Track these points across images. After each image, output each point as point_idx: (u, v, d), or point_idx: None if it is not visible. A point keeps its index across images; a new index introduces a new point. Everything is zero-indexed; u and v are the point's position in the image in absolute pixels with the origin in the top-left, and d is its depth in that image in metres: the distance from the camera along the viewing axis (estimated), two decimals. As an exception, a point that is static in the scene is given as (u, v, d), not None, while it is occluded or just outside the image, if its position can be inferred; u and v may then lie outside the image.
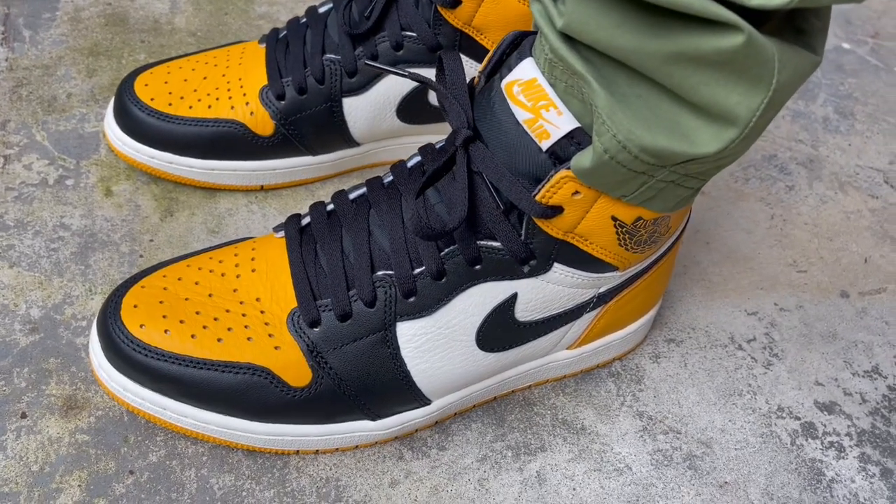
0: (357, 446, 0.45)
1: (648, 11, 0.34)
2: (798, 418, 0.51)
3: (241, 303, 0.44)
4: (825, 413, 0.52)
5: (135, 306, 0.43)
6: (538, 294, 0.43)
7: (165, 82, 0.55)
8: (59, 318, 0.48)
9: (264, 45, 0.57)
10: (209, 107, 0.54)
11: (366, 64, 0.43)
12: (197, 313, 0.43)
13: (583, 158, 0.37)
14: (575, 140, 0.38)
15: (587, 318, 0.46)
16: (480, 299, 0.42)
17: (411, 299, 0.42)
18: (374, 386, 0.43)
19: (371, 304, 0.42)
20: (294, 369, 0.42)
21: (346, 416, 0.43)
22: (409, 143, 0.59)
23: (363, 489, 0.44)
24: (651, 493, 0.46)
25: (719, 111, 0.34)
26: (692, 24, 0.33)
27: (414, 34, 0.53)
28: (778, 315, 0.57)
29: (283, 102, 0.54)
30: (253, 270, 0.45)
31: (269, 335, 0.43)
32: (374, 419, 0.44)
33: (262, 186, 0.57)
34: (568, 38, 0.36)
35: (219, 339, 0.42)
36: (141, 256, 0.52)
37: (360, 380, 0.43)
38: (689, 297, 0.56)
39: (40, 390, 0.45)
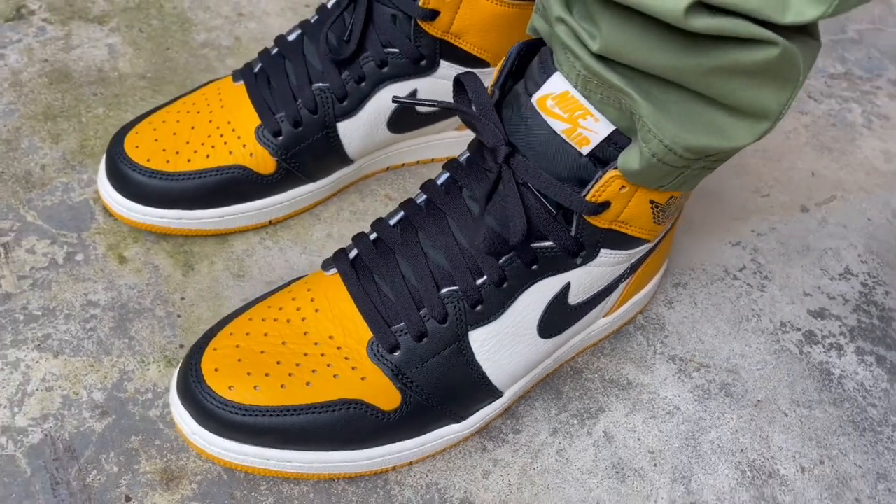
0: (444, 449, 0.48)
1: (684, 32, 0.37)
2: (799, 329, 0.58)
3: (315, 344, 0.46)
4: (818, 319, 0.59)
5: (216, 370, 0.45)
6: (587, 279, 0.47)
7: (155, 140, 0.55)
8: (124, 396, 0.49)
9: (240, 82, 0.57)
10: (207, 156, 0.55)
11: (394, 100, 0.45)
12: (278, 363, 0.45)
13: (630, 161, 0.41)
14: (612, 141, 0.42)
15: (622, 287, 0.51)
16: (539, 295, 0.46)
17: (478, 308, 0.45)
18: (457, 392, 0.46)
19: (443, 320, 0.45)
20: (383, 394, 0.45)
21: (435, 426, 0.47)
22: (396, 152, 0.61)
23: (461, 486, 0.48)
24: (702, 425, 0.52)
25: (753, 110, 0.39)
26: (730, 41, 0.37)
27: (396, 50, 0.55)
28: (757, 240, 0.63)
29: (280, 138, 0.55)
30: (316, 311, 0.47)
31: (353, 368, 0.45)
32: (458, 421, 0.48)
33: (269, 221, 0.58)
34: (603, 58, 0.39)
35: (307, 384, 0.44)
36: (179, 317, 0.53)
37: (444, 390, 0.46)
38: (679, 240, 0.62)
39: (134, 470, 0.46)
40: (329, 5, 0.58)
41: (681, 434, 0.52)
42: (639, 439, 0.51)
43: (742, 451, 0.51)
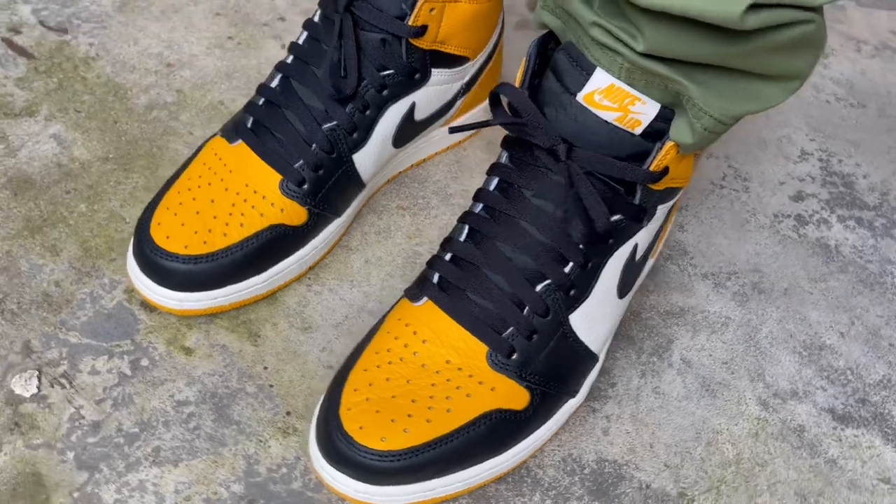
0: (565, 423, 0.53)
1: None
2: (789, 216, 0.66)
3: (437, 373, 0.48)
4: (800, 202, 0.67)
5: (360, 428, 0.46)
6: (649, 237, 0.52)
7: (182, 224, 0.54)
8: (261, 479, 0.50)
9: (238, 141, 0.56)
10: (241, 225, 0.54)
11: (451, 131, 0.47)
12: (413, 402, 0.47)
13: (683, 135, 0.45)
14: (660, 116, 0.46)
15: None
16: (616, 264, 0.50)
17: (572, 293, 0.49)
18: (570, 371, 0.51)
19: (545, 314, 0.49)
20: (514, 397, 0.49)
21: (558, 407, 0.51)
22: (395, 163, 0.63)
23: (590, 448, 0.53)
24: (753, 325, 0.59)
25: (788, 74, 0.44)
26: (772, 26, 0.41)
27: (392, 71, 0.56)
28: (722, 145, 0.70)
29: (305, 186, 0.55)
30: (424, 342, 0.49)
31: (480, 383, 0.48)
32: (574, 395, 0.52)
33: (310, 267, 0.59)
34: (646, 54, 0.43)
35: (448, 410, 0.47)
36: (271, 386, 0.54)
37: (560, 373, 0.50)
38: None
39: (308, 542, 0.48)
40: (301, 41, 0.58)
41: (740, 339, 0.58)
42: (710, 355, 0.57)
43: (791, 336, 0.59)
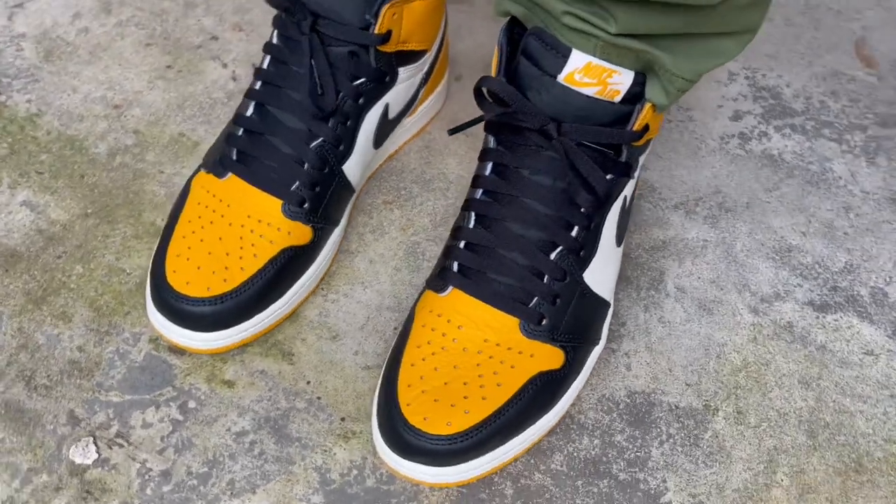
0: (591, 370, 0.58)
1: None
2: (733, 135, 0.72)
3: (478, 353, 0.52)
4: (739, 121, 0.73)
5: (425, 419, 0.50)
6: (633, 185, 0.57)
7: (198, 267, 0.55)
8: (336, 486, 0.53)
9: (228, 174, 0.58)
10: (255, 256, 0.56)
11: (450, 132, 0.50)
12: (465, 384, 0.51)
13: (658, 97, 0.50)
14: (635, 82, 0.50)
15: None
16: (613, 217, 0.55)
17: (581, 253, 0.54)
18: (592, 323, 0.55)
19: (563, 277, 0.53)
20: (551, 358, 0.53)
21: (588, 357, 0.56)
22: (374, 161, 0.65)
23: (620, 387, 0.58)
24: (727, 242, 0.65)
25: (745, 29, 0.49)
26: None
27: (363, 79, 0.58)
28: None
29: (306, 205, 0.58)
30: (459, 327, 0.53)
31: (519, 353, 0.52)
32: (597, 343, 0.57)
33: (321, 278, 0.61)
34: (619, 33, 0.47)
35: (498, 385, 0.51)
36: (319, 398, 0.56)
37: (584, 326, 0.55)
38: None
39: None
40: (266, 66, 0.59)
41: (720, 258, 0.64)
42: (699, 278, 0.63)
43: (762, 244, 0.65)
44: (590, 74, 0.49)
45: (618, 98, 0.51)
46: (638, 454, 0.55)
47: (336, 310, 0.61)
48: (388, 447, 0.51)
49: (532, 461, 0.55)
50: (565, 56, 0.49)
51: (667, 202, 0.67)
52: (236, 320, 0.56)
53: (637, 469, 0.55)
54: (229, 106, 0.72)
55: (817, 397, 0.58)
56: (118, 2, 0.77)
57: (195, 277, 0.55)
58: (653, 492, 0.54)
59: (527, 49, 0.52)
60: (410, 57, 0.61)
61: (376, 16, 0.55)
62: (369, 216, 0.66)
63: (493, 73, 0.53)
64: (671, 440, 0.56)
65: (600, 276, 0.55)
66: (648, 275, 0.63)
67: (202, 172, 0.60)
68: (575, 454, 0.55)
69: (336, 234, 0.61)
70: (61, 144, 0.68)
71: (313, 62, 0.56)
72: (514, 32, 0.53)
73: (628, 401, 0.57)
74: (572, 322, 0.54)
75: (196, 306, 0.55)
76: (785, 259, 0.65)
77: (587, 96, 0.50)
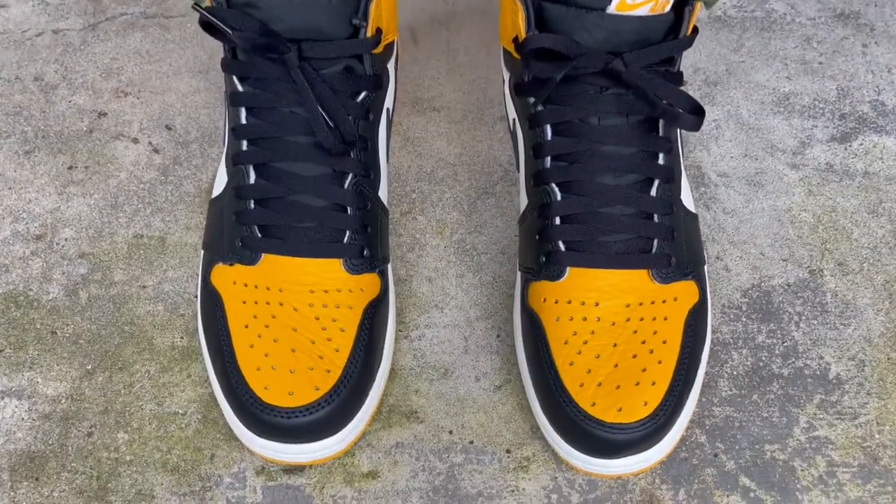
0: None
1: None
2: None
3: (627, 320, 0.48)
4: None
5: (619, 409, 0.46)
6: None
7: (292, 371, 0.46)
8: (545, 519, 0.48)
9: (260, 256, 0.48)
10: (342, 330, 0.48)
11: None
12: (634, 357, 0.47)
13: None
14: (679, -15, 0.47)
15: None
16: (677, 129, 0.52)
17: (673, 177, 0.51)
18: (700, 241, 0.53)
19: (670, 209, 0.50)
20: (689, 292, 0.50)
21: (706, 275, 0.53)
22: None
23: (732, 292, 0.56)
24: (732, 113, 0.64)
25: None
26: None
27: (365, 92, 0.50)
28: None
29: (366, 252, 0.50)
30: (596, 304, 0.48)
31: (663, 302, 0.49)
32: (706, 261, 0.55)
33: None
34: None
35: (664, 342, 0.48)
36: (471, 443, 0.50)
37: (698, 247, 0.52)
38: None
39: None
40: (246, 121, 0.49)
41: (736, 131, 0.63)
42: (731, 156, 0.62)
43: (761, 102, 0.65)
44: (638, -9, 0.45)
45: (668, 7, 0.47)
46: (785, 344, 0.54)
47: (429, 346, 0.54)
48: (584, 453, 0.47)
49: (703, 399, 0.52)
50: (606, -11, 0.45)
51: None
52: (355, 407, 0.48)
53: (793, 358, 0.54)
54: (171, 183, 0.60)
55: (889, 219, 0.60)
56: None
57: (294, 384, 0.46)
58: (818, 372, 0.53)
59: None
60: (390, 49, 0.53)
61: (366, 16, 0.47)
62: (398, 235, 0.58)
63: (519, 29, 0.47)
64: (804, 317, 0.55)
65: (685, 191, 0.53)
66: (689, 172, 0.62)
67: (220, 266, 0.50)
68: (734, 373, 0.53)
69: (390, 268, 0.54)
70: (2, 308, 0.55)
71: (316, 95, 0.47)
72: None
73: (746, 300, 0.56)
74: (690, 249, 0.51)
75: (312, 414, 0.46)
76: (788, 108, 0.65)
77: (640, 17, 0.46)
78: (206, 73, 0.66)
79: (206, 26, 0.47)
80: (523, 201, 0.53)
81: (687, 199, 0.53)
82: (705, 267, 0.54)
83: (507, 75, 0.55)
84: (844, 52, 0.68)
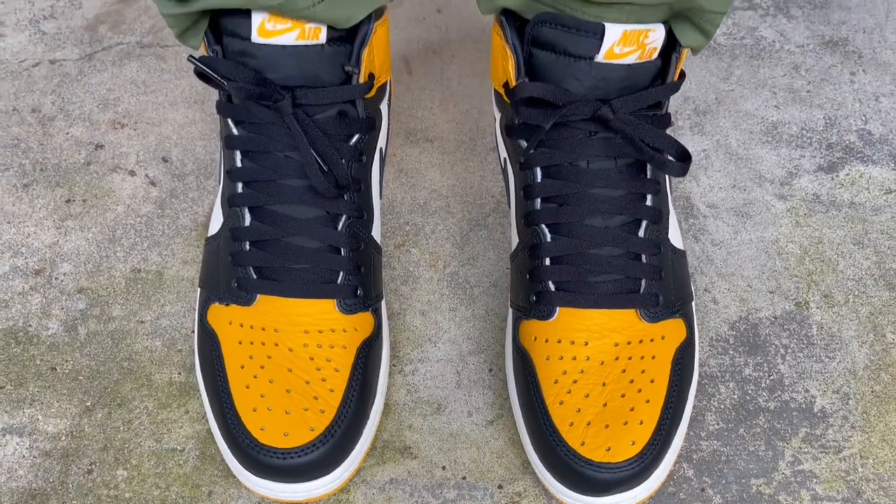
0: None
1: None
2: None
3: (616, 359, 0.49)
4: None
5: (608, 449, 0.47)
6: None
7: (287, 412, 0.47)
8: None
9: (256, 297, 0.49)
10: (336, 370, 0.49)
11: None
12: (623, 396, 0.48)
13: (695, 40, 0.48)
14: (665, 33, 0.47)
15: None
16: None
17: (661, 217, 0.51)
18: (687, 278, 0.54)
19: (658, 249, 0.51)
20: (677, 330, 0.51)
21: (693, 312, 0.54)
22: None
23: (719, 325, 0.57)
24: (721, 142, 0.65)
25: None
26: None
27: (358, 135, 0.51)
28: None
29: (360, 292, 0.51)
30: (585, 343, 0.49)
31: (651, 340, 0.50)
32: (693, 298, 0.56)
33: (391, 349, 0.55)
34: None
35: (651, 381, 0.49)
36: (464, 478, 0.51)
37: (685, 284, 0.53)
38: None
39: None
40: (241, 164, 0.50)
41: (724, 161, 0.65)
42: (719, 187, 0.63)
43: (751, 132, 0.66)
44: (628, 43, 0.46)
45: (655, 55, 0.48)
46: (772, 377, 0.55)
47: (422, 380, 0.55)
48: (574, 491, 0.48)
49: (691, 433, 0.53)
50: (596, 33, 0.46)
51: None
52: (350, 445, 0.49)
53: (779, 391, 0.55)
54: (168, 217, 0.61)
55: (875, 250, 0.61)
56: (-38, 151, 0.63)
57: (290, 424, 0.47)
58: (804, 405, 0.54)
59: (540, 39, 0.47)
60: (382, 90, 0.54)
61: (358, 63, 0.48)
62: (392, 268, 0.59)
63: (509, 76, 0.48)
64: (790, 350, 0.57)
65: (674, 229, 0.54)
66: (678, 204, 0.63)
67: (217, 306, 0.51)
68: (721, 406, 0.54)
69: (384, 304, 0.55)
70: (2, 344, 0.56)
71: (309, 140, 0.48)
72: (510, 26, 0.48)
73: (734, 333, 0.57)
74: (678, 286, 0.52)
75: (307, 454, 0.47)
76: (776, 137, 0.66)
77: (628, 65, 0.47)
78: (201, 103, 0.67)
79: (201, 75, 0.48)
80: (514, 238, 0.54)
81: (675, 236, 0.53)
82: (693, 303, 0.56)
83: (497, 115, 0.56)
84: (832, 80, 0.69)
